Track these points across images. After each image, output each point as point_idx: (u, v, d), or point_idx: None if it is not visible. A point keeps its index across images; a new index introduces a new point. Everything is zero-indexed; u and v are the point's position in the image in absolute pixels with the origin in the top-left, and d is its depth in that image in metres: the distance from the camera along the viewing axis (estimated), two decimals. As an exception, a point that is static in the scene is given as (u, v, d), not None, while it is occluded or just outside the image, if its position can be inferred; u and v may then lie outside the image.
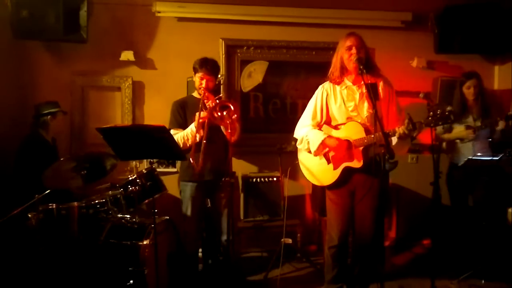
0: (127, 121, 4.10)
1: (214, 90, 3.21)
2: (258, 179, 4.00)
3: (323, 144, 2.78)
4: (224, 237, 3.30)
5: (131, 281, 2.77)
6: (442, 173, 3.13)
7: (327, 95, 2.87)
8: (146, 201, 3.22)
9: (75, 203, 2.94)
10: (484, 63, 4.57)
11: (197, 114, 3.00)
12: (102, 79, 4.09)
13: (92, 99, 4.09)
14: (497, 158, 3.33)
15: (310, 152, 2.86)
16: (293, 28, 4.28)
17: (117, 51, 4.03)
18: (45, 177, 2.91)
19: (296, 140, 3.00)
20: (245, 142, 3.84)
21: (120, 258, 2.83)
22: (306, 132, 2.88)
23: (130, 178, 3.23)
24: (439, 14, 4.30)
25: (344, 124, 2.82)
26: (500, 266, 3.43)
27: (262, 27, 4.24)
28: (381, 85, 2.80)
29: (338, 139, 2.76)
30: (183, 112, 3.25)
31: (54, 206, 2.88)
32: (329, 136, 2.79)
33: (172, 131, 2.98)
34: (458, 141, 3.71)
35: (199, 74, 3.18)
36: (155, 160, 3.79)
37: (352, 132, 2.75)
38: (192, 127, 3.09)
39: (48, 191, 2.88)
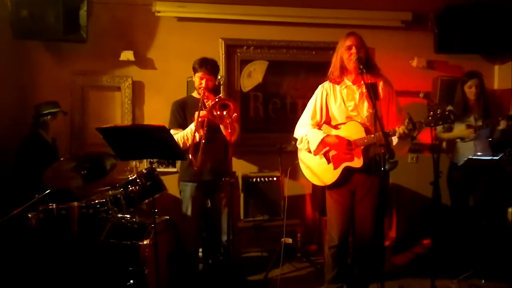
0: (127, 121, 4.11)
1: (214, 91, 3.21)
2: (258, 179, 4.00)
3: (322, 143, 2.78)
4: (224, 237, 3.30)
5: (131, 281, 2.77)
6: (442, 173, 3.13)
7: (327, 94, 2.87)
8: (146, 201, 3.22)
9: (75, 203, 2.94)
10: (484, 62, 4.57)
11: (196, 113, 2.99)
12: (102, 79, 4.09)
13: (92, 99, 4.09)
14: (497, 158, 3.33)
15: (310, 151, 2.86)
16: (293, 28, 4.28)
17: (117, 51, 4.03)
18: (45, 177, 2.92)
19: (296, 139, 2.99)
20: (245, 142, 3.84)
21: (120, 258, 2.83)
22: (306, 132, 2.88)
23: (130, 178, 3.23)
24: (439, 14, 4.30)
25: (344, 123, 2.82)
26: (500, 266, 3.43)
27: (262, 27, 4.24)
28: (381, 85, 2.80)
29: (337, 136, 2.75)
30: (183, 112, 3.24)
31: (54, 206, 2.88)
32: (329, 135, 2.79)
33: (172, 131, 2.97)
34: (458, 140, 3.71)
35: (198, 74, 3.18)
36: (155, 160, 3.79)
37: (352, 132, 2.75)
38: (192, 126, 3.08)
39: (48, 191, 2.87)
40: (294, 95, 4.36)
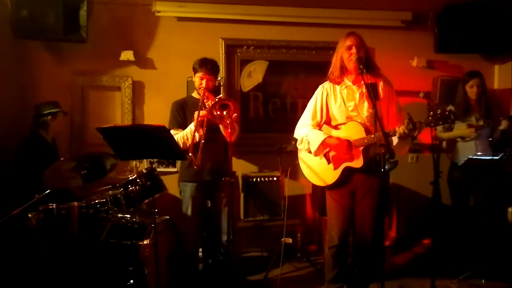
0: (127, 121, 4.10)
1: (214, 91, 3.20)
2: (258, 179, 4.01)
3: (323, 144, 2.78)
4: (224, 237, 3.30)
5: (131, 281, 2.77)
6: (442, 173, 3.13)
7: (327, 95, 2.87)
8: (146, 200, 3.22)
9: (75, 203, 2.94)
10: (484, 62, 4.56)
11: (196, 112, 2.99)
12: (102, 79, 4.09)
13: (92, 99, 4.09)
14: (497, 158, 3.33)
15: (310, 152, 2.86)
16: (293, 27, 4.28)
17: (117, 51, 4.03)
18: (45, 177, 2.91)
19: (296, 140, 2.99)
20: (245, 142, 3.84)
21: (120, 258, 2.83)
22: (306, 132, 2.87)
23: (130, 178, 3.23)
24: (439, 14, 4.30)
25: (344, 124, 2.82)
26: (500, 265, 3.43)
27: (262, 26, 4.24)
28: (381, 85, 2.80)
29: (338, 138, 2.76)
30: (182, 112, 3.24)
31: (54, 206, 2.88)
32: (330, 136, 2.79)
33: (172, 131, 2.97)
34: (459, 140, 3.71)
35: (199, 74, 3.18)
36: (155, 160, 3.78)
37: (352, 132, 2.75)
38: (191, 126, 3.08)
39: (48, 191, 2.87)
40: (294, 95, 4.36)
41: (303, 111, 2.99)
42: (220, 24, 4.18)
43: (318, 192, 3.66)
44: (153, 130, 2.50)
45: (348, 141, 2.73)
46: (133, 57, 4.03)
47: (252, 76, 4.31)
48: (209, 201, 3.36)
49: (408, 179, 4.40)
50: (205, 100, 3.04)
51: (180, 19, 4.13)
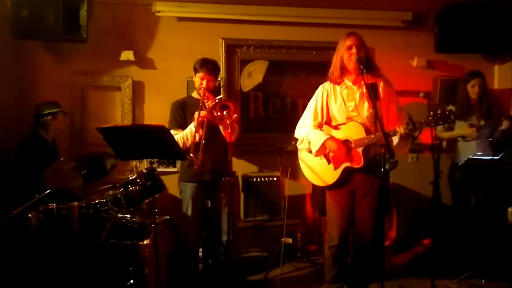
0: (127, 121, 4.10)
1: (214, 91, 3.21)
2: (258, 179, 4.00)
3: (324, 146, 2.78)
4: (224, 237, 3.30)
5: (131, 281, 2.77)
6: (443, 173, 3.13)
7: (327, 95, 2.87)
8: (146, 200, 3.23)
9: (75, 203, 2.94)
10: (484, 62, 4.56)
11: (196, 113, 2.99)
12: (102, 79, 4.08)
13: (92, 99, 4.09)
14: (497, 158, 3.33)
15: (310, 152, 2.86)
16: (293, 27, 4.28)
17: (117, 51, 4.03)
18: (45, 177, 2.92)
19: (296, 139, 2.99)
20: (245, 142, 3.84)
21: (120, 258, 2.83)
22: (307, 132, 2.87)
23: (130, 178, 3.23)
24: (439, 14, 4.30)
25: (344, 124, 2.82)
26: (500, 266, 3.43)
27: (262, 26, 4.24)
28: (381, 85, 2.80)
29: (338, 142, 2.75)
30: (182, 113, 3.24)
31: (54, 206, 2.88)
32: (331, 138, 2.78)
33: (171, 132, 2.97)
34: (460, 139, 3.71)
35: (199, 74, 3.18)
36: (155, 160, 3.78)
37: (353, 132, 2.75)
38: (191, 126, 3.08)
39: (48, 191, 2.87)
40: (294, 95, 4.36)
41: (303, 111, 2.99)
42: (220, 24, 4.18)
43: (318, 192, 3.66)
44: (153, 130, 2.50)
45: (348, 146, 2.74)
46: (133, 57, 4.03)
47: (252, 76, 4.31)
48: (209, 201, 3.37)
49: (408, 179, 4.39)
50: (205, 101, 3.04)
51: (180, 19, 4.13)
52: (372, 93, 2.52)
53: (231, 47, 4.22)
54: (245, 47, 4.25)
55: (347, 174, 2.79)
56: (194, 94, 3.32)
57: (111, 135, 2.59)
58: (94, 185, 3.32)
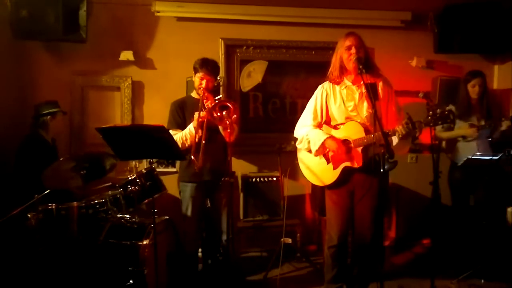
0: (127, 121, 4.10)
1: (213, 91, 3.21)
2: (258, 179, 4.01)
3: (323, 145, 2.78)
4: (224, 237, 3.30)
5: (131, 281, 2.77)
6: (442, 173, 3.13)
7: (326, 95, 2.87)
8: (146, 201, 3.22)
9: (75, 203, 2.94)
10: (484, 62, 4.56)
11: (196, 113, 2.99)
12: (101, 79, 4.09)
13: (91, 99, 4.09)
14: (496, 158, 3.33)
15: (310, 151, 2.86)
16: (292, 27, 4.28)
17: (117, 51, 4.03)
18: (44, 177, 2.92)
19: (296, 139, 2.99)
20: (245, 142, 3.84)
21: (119, 258, 2.83)
22: (307, 132, 2.87)
23: (130, 178, 3.23)
24: (439, 14, 4.30)
25: (343, 124, 2.82)
26: (500, 266, 3.43)
27: (262, 26, 4.24)
28: (380, 85, 2.80)
29: (338, 142, 2.75)
30: (182, 113, 3.24)
31: (53, 206, 2.89)
32: (331, 137, 2.78)
33: (171, 132, 2.97)
34: (460, 139, 3.71)
35: (199, 74, 3.18)
36: (154, 160, 3.79)
37: (352, 132, 2.75)
38: (190, 127, 3.08)
39: (48, 191, 2.87)
40: (294, 95, 4.36)
41: (302, 111, 2.99)
42: (219, 24, 4.18)
43: (318, 192, 3.66)
44: (153, 130, 2.50)
45: (347, 146, 2.74)
46: (132, 57, 4.03)
47: (252, 76, 4.31)
48: (208, 201, 3.36)
49: (407, 179, 4.39)
50: (204, 101, 3.04)
51: (180, 19, 4.13)
52: (372, 93, 2.52)
53: (231, 47, 4.22)
54: (244, 47, 4.25)
55: (346, 174, 2.79)
56: (194, 94, 3.32)
57: (111, 135, 2.59)
58: (94, 185, 3.32)
